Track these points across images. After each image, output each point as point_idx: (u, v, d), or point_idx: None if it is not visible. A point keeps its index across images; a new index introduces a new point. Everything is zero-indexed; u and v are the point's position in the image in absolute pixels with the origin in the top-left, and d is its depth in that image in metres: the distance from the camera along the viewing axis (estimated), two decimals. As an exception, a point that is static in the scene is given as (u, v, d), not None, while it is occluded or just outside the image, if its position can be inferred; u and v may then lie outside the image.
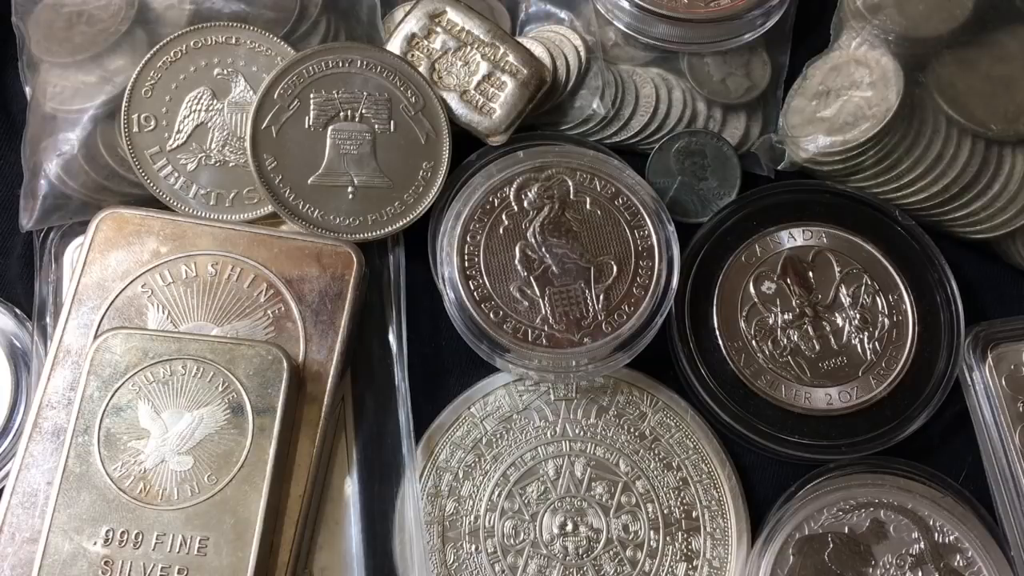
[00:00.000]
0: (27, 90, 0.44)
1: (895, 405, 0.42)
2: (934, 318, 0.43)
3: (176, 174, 0.43)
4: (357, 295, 0.40)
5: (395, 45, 0.45)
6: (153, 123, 0.43)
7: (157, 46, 0.43)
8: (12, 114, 0.46)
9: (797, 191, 0.45)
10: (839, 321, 0.43)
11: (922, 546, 0.39)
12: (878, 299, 0.43)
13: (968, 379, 0.43)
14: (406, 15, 0.45)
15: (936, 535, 0.40)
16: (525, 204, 0.42)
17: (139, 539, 0.36)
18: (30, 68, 0.44)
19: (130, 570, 0.35)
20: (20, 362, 0.42)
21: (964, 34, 0.44)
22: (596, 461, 0.42)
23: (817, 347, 0.42)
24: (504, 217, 0.42)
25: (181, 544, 0.36)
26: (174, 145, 0.43)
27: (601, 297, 0.40)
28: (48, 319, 0.41)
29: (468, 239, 0.41)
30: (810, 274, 0.44)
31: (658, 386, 0.43)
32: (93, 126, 0.43)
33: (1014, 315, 0.44)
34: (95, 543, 0.35)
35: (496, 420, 0.42)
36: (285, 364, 0.37)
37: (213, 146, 0.43)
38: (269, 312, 0.40)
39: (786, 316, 0.43)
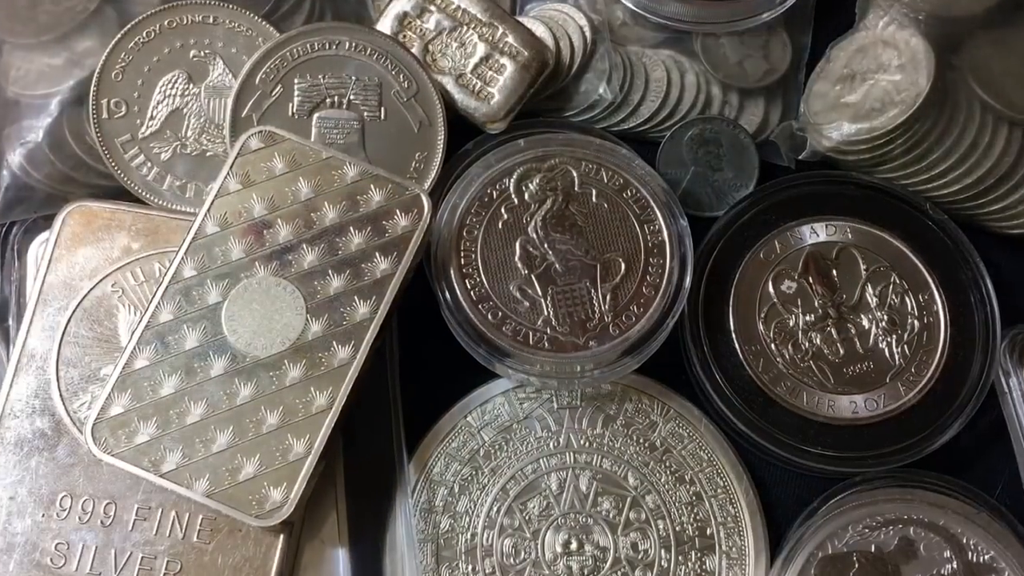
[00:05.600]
0: (-12, 74, 0.44)
1: (926, 414, 0.42)
2: (968, 319, 0.43)
3: (149, 164, 0.44)
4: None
5: (386, 25, 0.46)
6: (124, 109, 0.44)
7: (128, 26, 0.44)
8: (-28, 100, 0.46)
9: (820, 183, 0.45)
10: (865, 323, 0.43)
11: (955, 566, 0.40)
12: (907, 299, 0.44)
13: (1004, 385, 0.43)
14: (397, -7, 0.45)
15: (970, 554, 0.40)
16: (526, 196, 0.42)
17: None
18: (-9, 50, 0.44)
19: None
20: (-20, 367, 0.42)
21: (1000, 13, 0.45)
22: (602, 474, 0.42)
23: (841, 351, 0.43)
24: (503, 210, 0.42)
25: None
26: (147, 133, 0.44)
27: (608, 297, 0.41)
28: (11, 321, 0.42)
29: (465, 234, 0.42)
30: (834, 272, 0.44)
31: (670, 393, 0.43)
32: (59, 112, 0.44)
33: (1054, 316, 0.44)
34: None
35: (495, 430, 0.43)
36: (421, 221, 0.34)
37: (189, 134, 0.44)
38: (249, 313, 0.40)
39: (808, 317, 0.44)
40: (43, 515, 0.38)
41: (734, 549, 0.42)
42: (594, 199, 0.42)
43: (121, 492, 0.38)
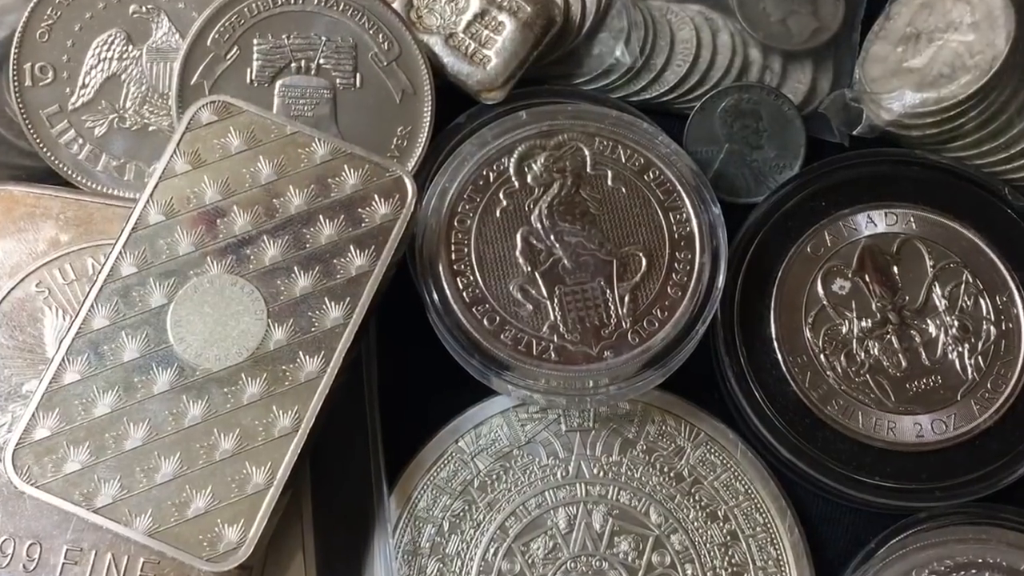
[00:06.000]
0: None
1: (1004, 437, 0.42)
2: (1054, 325, 0.42)
3: (81, 140, 0.43)
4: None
5: (362, -25, 0.46)
6: (51, 75, 0.43)
7: (56, -24, 0.44)
8: None
9: (878, 163, 0.45)
10: (932, 330, 0.42)
11: (1039, 619, 0.40)
12: (982, 301, 0.43)
13: (1098, 404, 0.42)
14: (376, -63, 0.45)
15: (1057, 604, 0.40)
16: (529, 179, 0.41)
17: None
18: None
19: None
20: None
21: (1094, -39, 0.44)
22: (620, 510, 0.41)
23: (904, 363, 0.42)
24: (502, 196, 0.41)
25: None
26: (78, 103, 0.43)
27: (626, 299, 0.40)
28: (-83, 327, 0.40)
29: (456, 224, 0.41)
30: (895, 269, 0.43)
31: (699, 413, 0.43)
32: (-27, 79, 0.43)
33: None
34: None
35: (491, 457, 0.42)
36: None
37: (128, 105, 0.43)
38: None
39: (864, 323, 0.42)
40: (-46, 558, 0.38)
41: (776, 598, 0.41)
42: (610, 182, 0.41)
43: (47, 530, 0.37)
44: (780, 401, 0.41)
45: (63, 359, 0.36)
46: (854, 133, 0.46)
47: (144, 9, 0.43)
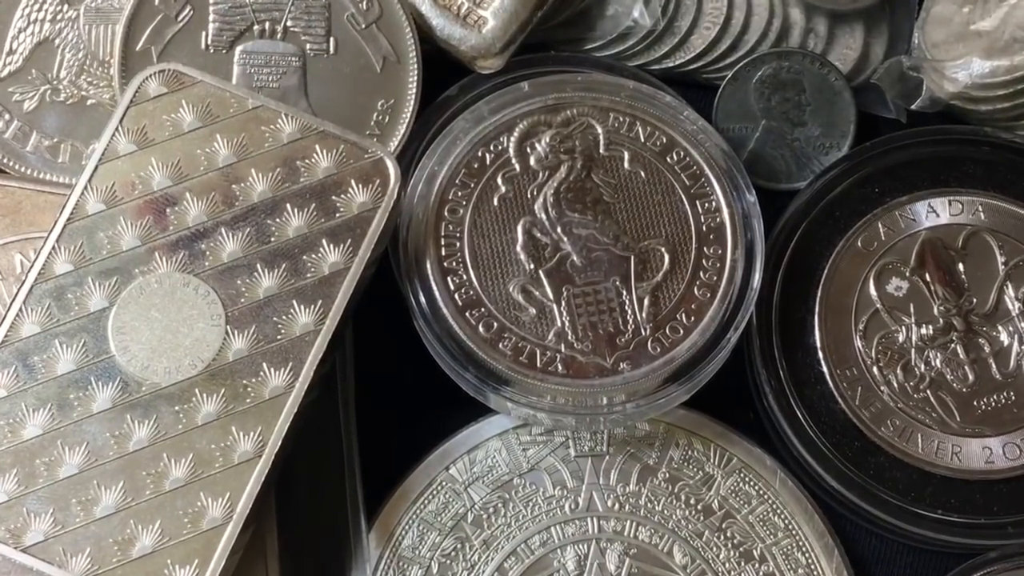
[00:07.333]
0: None
1: None
2: None
3: (8, 116, 0.43)
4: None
5: (336, -77, 0.46)
6: None
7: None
8: None
9: (940, 142, 0.45)
10: (1004, 338, 0.42)
11: None
12: None
13: None
14: None
15: None
16: (532, 162, 0.42)
17: None
18: None
19: None
20: None
21: None
22: (638, 548, 0.41)
23: (971, 377, 0.42)
24: (500, 181, 0.41)
25: None
26: (5, 73, 0.43)
27: (646, 301, 0.40)
28: None
29: (447, 214, 0.41)
30: (960, 267, 0.43)
31: (731, 436, 0.43)
32: None
33: None
34: None
35: (488, 487, 0.42)
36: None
37: (63, 74, 0.44)
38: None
39: (924, 330, 0.43)
40: None
41: (821, 652, 0.41)
42: (626, 165, 0.42)
43: (-33, 573, 0.39)
44: (826, 421, 0.42)
45: None
46: (912, 107, 0.45)
47: (80, -38, 0.45)
